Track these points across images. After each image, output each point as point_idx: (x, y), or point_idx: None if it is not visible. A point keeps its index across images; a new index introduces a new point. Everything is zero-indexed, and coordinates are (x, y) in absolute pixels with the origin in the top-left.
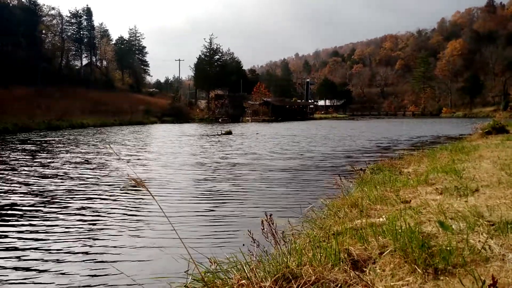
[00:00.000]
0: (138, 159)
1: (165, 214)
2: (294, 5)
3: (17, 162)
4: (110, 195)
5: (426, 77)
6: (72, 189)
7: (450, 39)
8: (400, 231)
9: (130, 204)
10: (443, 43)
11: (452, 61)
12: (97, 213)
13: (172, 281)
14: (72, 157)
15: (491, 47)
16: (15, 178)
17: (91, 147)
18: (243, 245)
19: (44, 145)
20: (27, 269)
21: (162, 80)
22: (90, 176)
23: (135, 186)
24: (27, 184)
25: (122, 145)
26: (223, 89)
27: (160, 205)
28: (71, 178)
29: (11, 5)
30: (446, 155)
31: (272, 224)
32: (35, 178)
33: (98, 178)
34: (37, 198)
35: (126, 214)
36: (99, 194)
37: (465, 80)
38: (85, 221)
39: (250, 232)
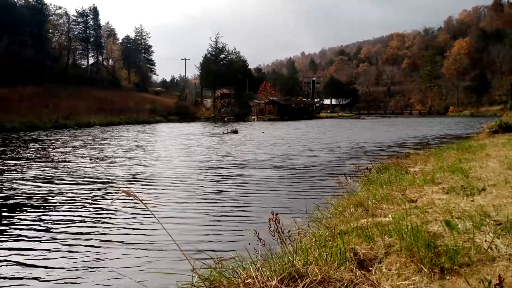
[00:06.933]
0: (144, 159)
1: (157, 219)
2: (296, 4)
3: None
4: (111, 198)
5: (433, 75)
6: (71, 191)
7: (457, 38)
8: (406, 230)
9: (132, 207)
10: (450, 42)
11: (459, 59)
12: (98, 216)
13: (179, 279)
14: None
15: (499, 46)
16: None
17: (101, 146)
18: (249, 243)
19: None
20: (36, 272)
21: (168, 79)
22: (90, 177)
23: (138, 188)
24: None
25: (129, 144)
26: (229, 88)
27: (161, 206)
28: (75, 180)
29: (18, 4)
30: (453, 154)
31: (278, 223)
32: (37, 177)
33: (99, 178)
34: (41, 200)
35: (127, 217)
36: (99, 198)
37: (472, 79)
38: (86, 222)
39: (256, 231)
